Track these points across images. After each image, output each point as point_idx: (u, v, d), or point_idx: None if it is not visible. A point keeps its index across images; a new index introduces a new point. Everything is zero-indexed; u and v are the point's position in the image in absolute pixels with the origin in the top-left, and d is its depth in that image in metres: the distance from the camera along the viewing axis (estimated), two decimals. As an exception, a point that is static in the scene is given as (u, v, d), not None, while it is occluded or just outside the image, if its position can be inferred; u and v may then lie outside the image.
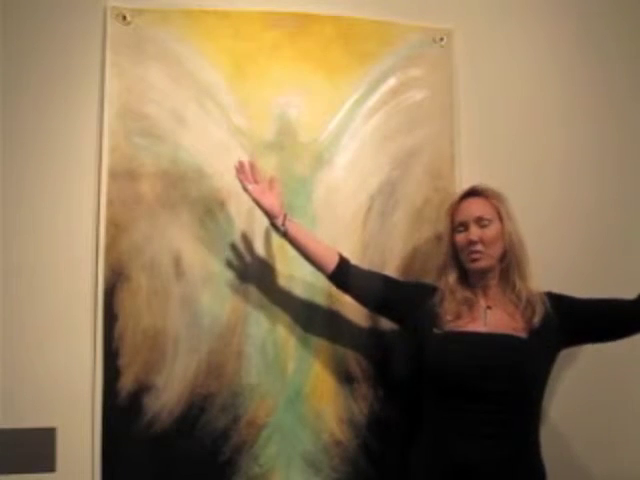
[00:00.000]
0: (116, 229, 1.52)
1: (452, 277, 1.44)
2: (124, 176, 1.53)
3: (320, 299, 1.60)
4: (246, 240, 1.58)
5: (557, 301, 1.38)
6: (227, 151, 1.58)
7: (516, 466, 1.31)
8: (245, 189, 1.44)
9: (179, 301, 1.53)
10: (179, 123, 1.57)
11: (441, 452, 1.34)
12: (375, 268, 1.59)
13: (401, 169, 1.67)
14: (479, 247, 1.38)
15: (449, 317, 1.39)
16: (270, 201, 1.44)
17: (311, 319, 1.60)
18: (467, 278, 1.44)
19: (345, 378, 1.59)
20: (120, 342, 1.50)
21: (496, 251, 1.39)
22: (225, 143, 1.59)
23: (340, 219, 1.63)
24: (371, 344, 1.61)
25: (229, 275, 1.56)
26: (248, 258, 1.58)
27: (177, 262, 1.54)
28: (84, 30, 1.55)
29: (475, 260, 1.39)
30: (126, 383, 1.49)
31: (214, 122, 1.59)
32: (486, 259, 1.39)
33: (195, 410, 1.51)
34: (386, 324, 1.58)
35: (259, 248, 1.59)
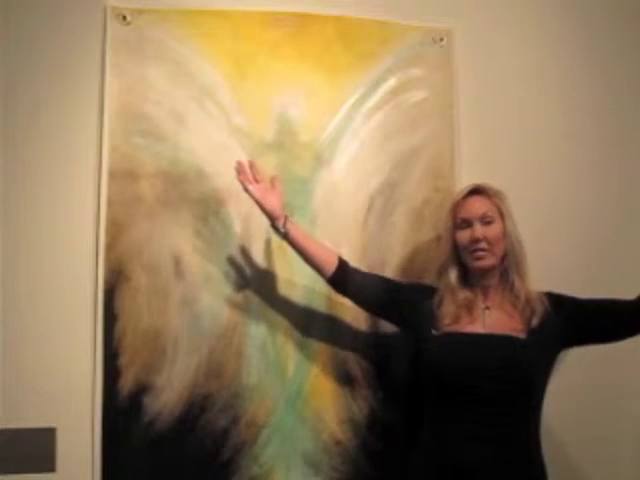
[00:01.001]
0: (116, 229, 1.52)
1: (453, 276, 1.42)
2: (124, 176, 1.53)
3: (320, 299, 1.60)
4: (246, 240, 1.58)
5: (557, 301, 1.37)
6: (227, 151, 1.58)
7: (516, 467, 1.30)
8: (246, 190, 1.43)
9: (179, 301, 1.53)
10: (179, 123, 1.57)
11: (441, 452, 1.33)
12: (375, 268, 1.59)
13: (401, 169, 1.67)
14: (484, 245, 1.37)
15: (448, 320, 1.38)
16: (272, 203, 1.43)
17: (311, 319, 1.60)
18: (467, 277, 1.44)
19: (345, 378, 1.59)
20: (120, 342, 1.50)
21: (499, 250, 1.38)
22: (225, 143, 1.59)
23: (340, 219, 1.63)
24: (371, 344, 1.61)
25: (229, 275, 1.56)
26: (248, 258, 1.58)
27: (177, 262, 1.54)
28: (84, 30, 1.55)
29: (479, 258, 1.37)
30: (126, 383, 1.49)
31: (214, 122, 1.59)
32: (490, 258, 1.37)
33: (195, 410, 1.51)
34: (386, 324, 1.57)
35: (259, 248, 1.59)
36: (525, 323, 1.35)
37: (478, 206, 1.40)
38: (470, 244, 1.38)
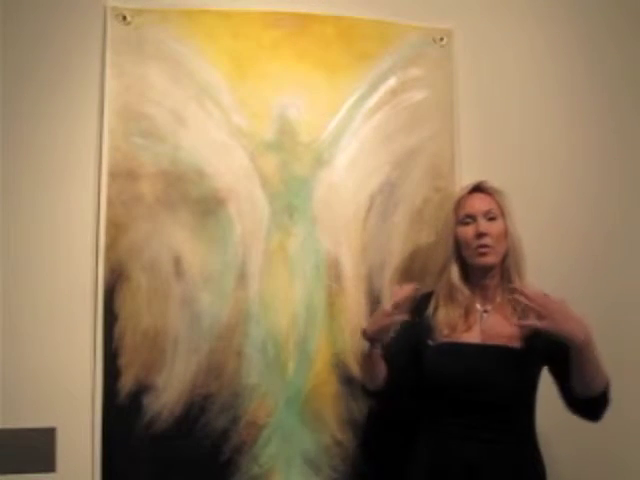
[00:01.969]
0: (116, 229, 1.52)
1: (454, 273, 1.42)
2: (124, 176, 1.53)
3: (320, 299, 1.59)
4: (246, 240, 1.58)
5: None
6: (227, 151, 1.58)
7: (517, 470, 1.30)
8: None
9: (179, 301, 1.53)
10: (179, 123, 1.57)
11: (441, 453, 1.34)
12: (375, 268, 1.59)
13: (401, 169, 1.67)
14: (488, 240, 1.36)
15: (443, 329, 1.38)
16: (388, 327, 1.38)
17: (311, 319, 1.59)
18: (467, 276, 1.43)
19: (345, 378, 1.59)
20: (120, 342, 1.50)
21: (501, 248, 1.38)
22: (225, 143, 1.59)
23: (340, 219, 1.62)
24: (371, 344, 1.61)
25: (229, 275, 1.56)
26: (248, 258, 1.58)
27: (177, 262, 1.54)
28: (84, 30, 1.55)
29: (483, 254, 1.37)
30: (126, 383, 1.49)
31: (214, 122, 1.59)
32: (493, 254, 1.37)
33: (195, 410, 1.51)
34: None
35: (259, 248, 1.58)
36: (522, 326, 1.32)
37: (482, 202, 1.40)
38: (474, 239, 1.37)
